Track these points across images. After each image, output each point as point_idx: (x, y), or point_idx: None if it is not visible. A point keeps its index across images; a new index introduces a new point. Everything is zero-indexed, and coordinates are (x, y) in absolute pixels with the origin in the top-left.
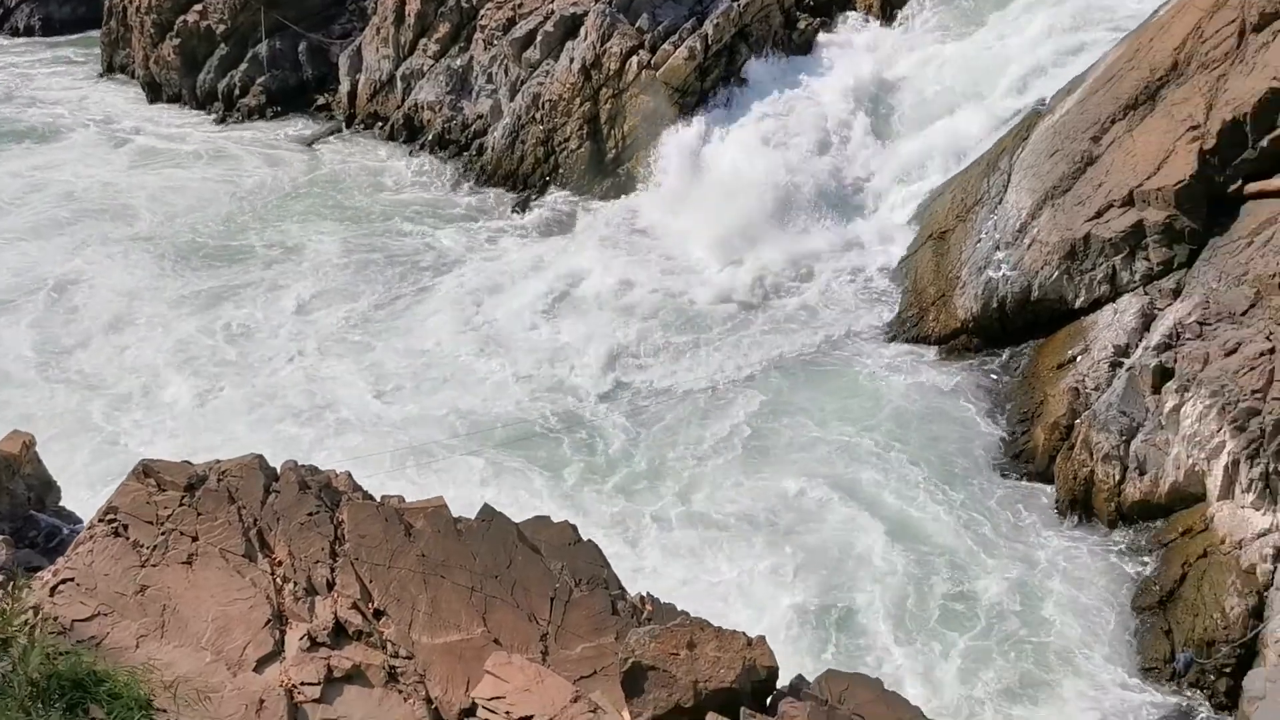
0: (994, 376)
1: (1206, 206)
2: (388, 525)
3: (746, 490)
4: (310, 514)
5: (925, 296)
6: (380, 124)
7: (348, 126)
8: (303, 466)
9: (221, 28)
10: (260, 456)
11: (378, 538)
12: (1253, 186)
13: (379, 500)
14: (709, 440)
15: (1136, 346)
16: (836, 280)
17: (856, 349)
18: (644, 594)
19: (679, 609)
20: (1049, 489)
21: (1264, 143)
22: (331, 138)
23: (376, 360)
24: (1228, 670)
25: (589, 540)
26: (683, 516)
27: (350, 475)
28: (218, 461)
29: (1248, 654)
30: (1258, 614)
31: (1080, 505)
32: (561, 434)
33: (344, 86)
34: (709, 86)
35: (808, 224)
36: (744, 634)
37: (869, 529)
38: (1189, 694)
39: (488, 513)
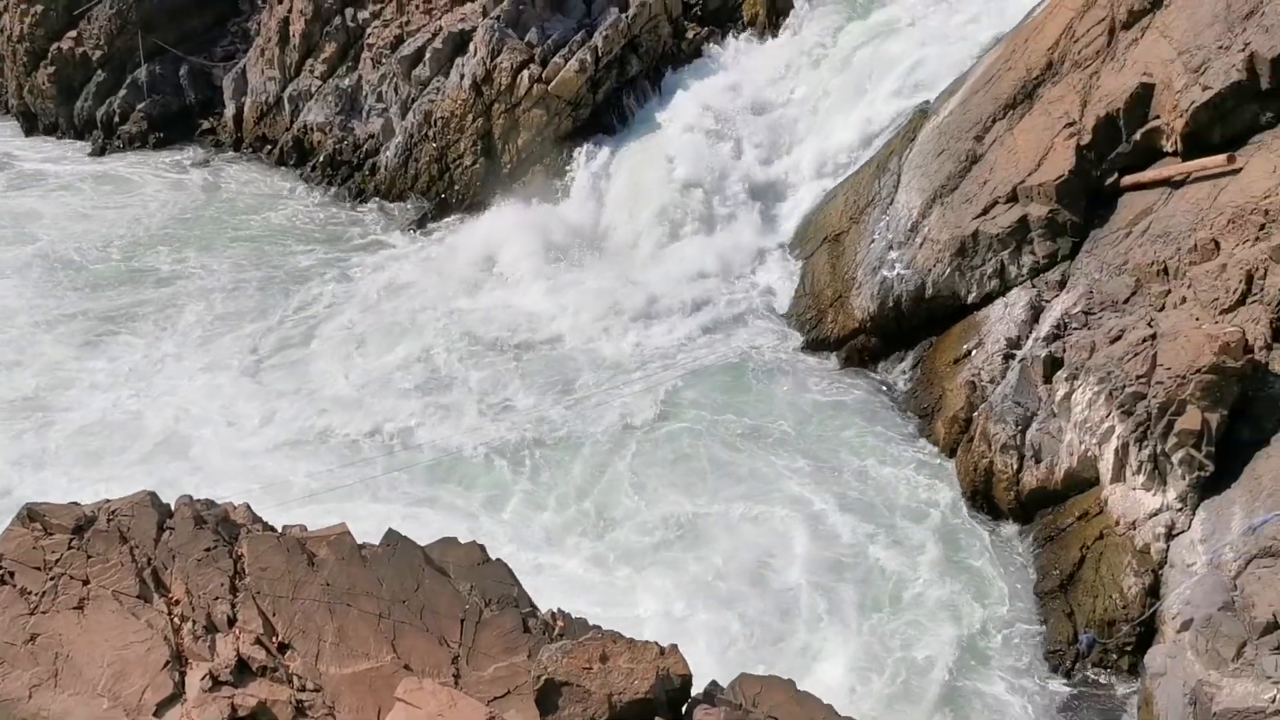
0: (885, 387)
1: (1086, 200)
2: (290, 556)
3: (655, 508)
4: (207, 549)
5: (823, 299)
6: (269, 147)
7: (235, 150)
8: (198, 500)
9: (98, 54)
10: (152, 493)
11: (280, 569)
12: (1128, 179)
13: (280, 531)
14: (616, 459)
15: (1027, 338)
16: (732, 297)
17: (758, 360)
18: (555, 610)
19: (591, 623)
20: (953, 479)
21: (1136, 136)
22: (217, 160)
23: (265, 387)
24: (1129, 649)
25: (498, 559)
26: (609, 531)
27: (249, 507)
28: (107, 501)
29: (1147, 632)
30: (1154, 592)
31: (982, 495)
32: (469, 462)
33: (229, 110)
34: (602, 99)
35: (698, 248)
36: (656, 644)
37: (783, 529)
38: (1093, 673)
39: (392, 537)
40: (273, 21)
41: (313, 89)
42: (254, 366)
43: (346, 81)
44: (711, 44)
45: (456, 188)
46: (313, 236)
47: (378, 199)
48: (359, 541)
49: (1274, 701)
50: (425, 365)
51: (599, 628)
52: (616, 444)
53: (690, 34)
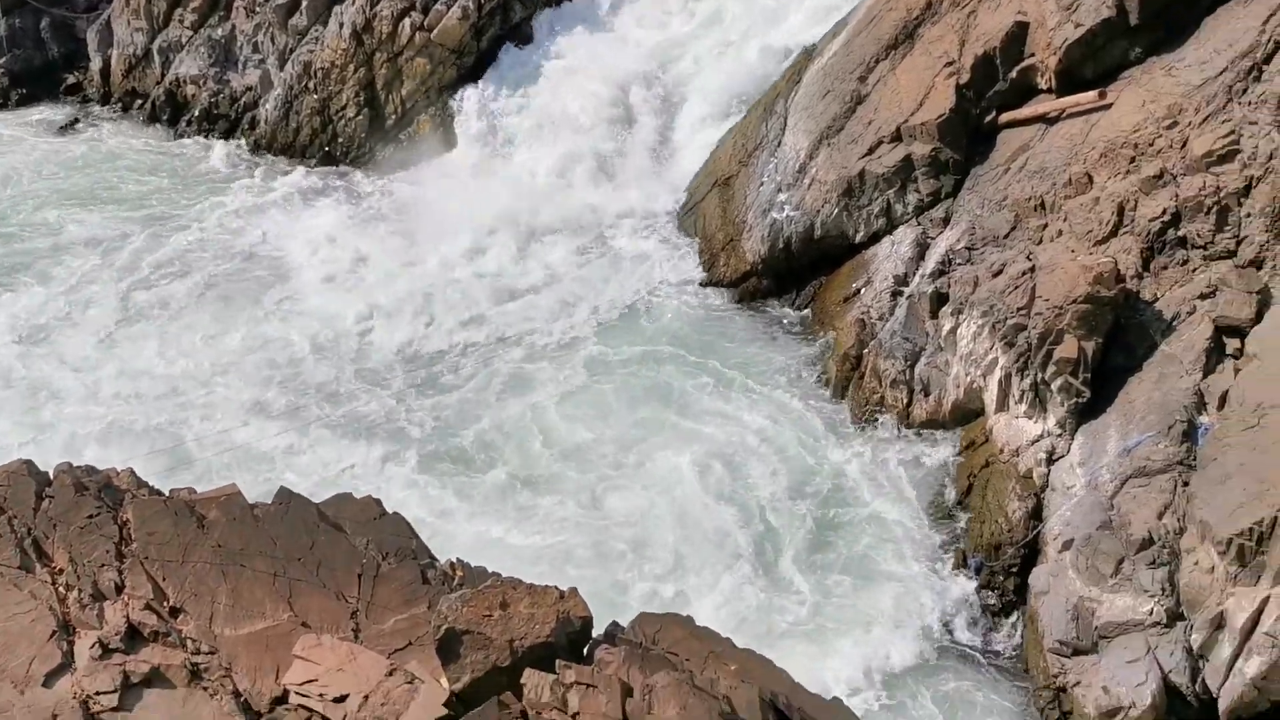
0: (779, 322)
1: (966, 138)
2: (178, 519)
3: (560, 453)
4: (90, 516)
5: (715, 243)
6: (140, 102)
7: (103, 105)
8: (78, 467)
9: None
10: (28, 461)
11: (168, 533)
12: (1005, 116)
13: (166, 494)
14: (519, 407)
15: (914, 275)
16: (627, 241)
17: (654, 300)
18: (454, 560)
19: (490, 570)
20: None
21: (1013, 74)
22: (86, 118)
23: (149, 348)
24: (1014, 570)
25: (394, 513)
26: (516, 479)
27: (133, 472)
28: None
29: (1031, 553)
30: (1037, 515)
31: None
32: (370, 417)
33: (95, 64)
34: (486, 46)
35: (590, 191)
36: (556, 588)
37: (685, 464)
38: (982, 596)
39: (284, 495)
40: None
41: (183, 40)
42: (119, 329)
43: (219, 32)
44: None
45: (340, 140)
46: (187, 194)
47: (259, 153)
48: (251, 502)
49: (1151, 614)
50: (307, 329)
51: (498, 575)
52: (509, 396)
53: None
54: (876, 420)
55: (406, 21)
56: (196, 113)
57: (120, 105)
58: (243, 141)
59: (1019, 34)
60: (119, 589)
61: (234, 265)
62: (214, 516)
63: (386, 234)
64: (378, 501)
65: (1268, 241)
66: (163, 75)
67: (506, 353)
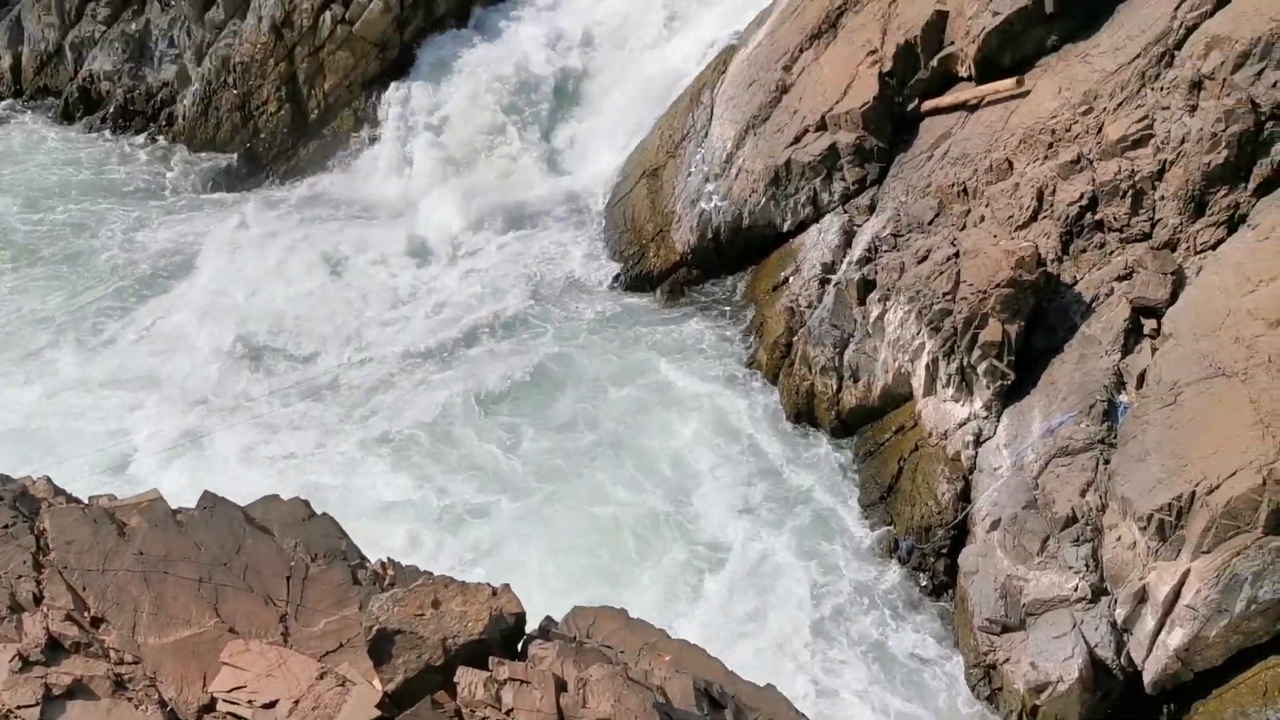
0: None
1: (890, 125)
2: (98, 527)
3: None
4: (5, 526)
5: (644, 234)
6: (53, 99)
7: (15, 100)
8: None
9: None
10: None
11: (87, 542)
12: (928, 104)
13: (85, 502)
14: (442, 409)
15: (841, 262)
16: (551, 241)
17: (582, 303)
18: (385, 559)
19: (421, 570)
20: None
21: (934, 63)
22: None
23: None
24: (944, 551)
25: (324, 514)
26: (440, 487)
27: (49, 480)
28: None
29: (960, 534)
30: (965, 496)
31: (805, 416)
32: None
33: (4, 61)
34: (409, 38)
35: (517, 191)
36: (489, 585)
37: (616, 461)
38: (914, 577)
39: (209, 499)
40: None
41: (96, 35)
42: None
43: (133, 26)
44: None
45: (263, 136)
46: (95, 196)
47: (180, 148)
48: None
49: (1076, 590)
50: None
51: (430, 574)
52: (448, 391)
53: None
54: (806, 417)
55: (328, 14)
56: (111, 109)
57: (31, 102)
58: (159, 138)
59: (939, 23)
60: (38, 600)
61: (140, 271)
62: (135, 523)
63: (293, 244)
64: (305, 502)
65: (1181, 223)
66: (76, 72)
67: (432, 364)
